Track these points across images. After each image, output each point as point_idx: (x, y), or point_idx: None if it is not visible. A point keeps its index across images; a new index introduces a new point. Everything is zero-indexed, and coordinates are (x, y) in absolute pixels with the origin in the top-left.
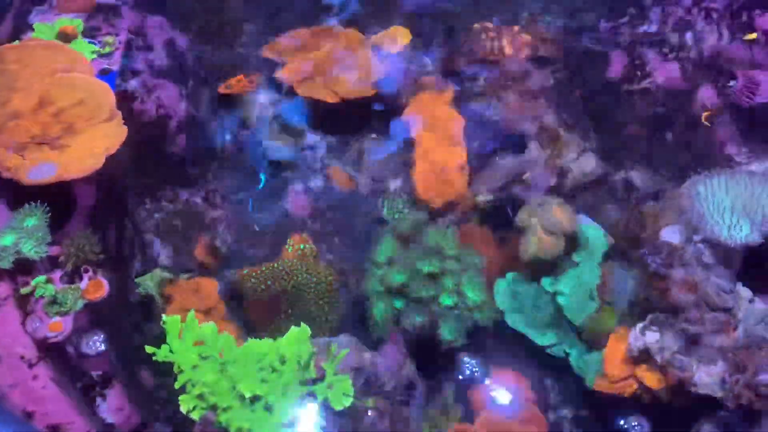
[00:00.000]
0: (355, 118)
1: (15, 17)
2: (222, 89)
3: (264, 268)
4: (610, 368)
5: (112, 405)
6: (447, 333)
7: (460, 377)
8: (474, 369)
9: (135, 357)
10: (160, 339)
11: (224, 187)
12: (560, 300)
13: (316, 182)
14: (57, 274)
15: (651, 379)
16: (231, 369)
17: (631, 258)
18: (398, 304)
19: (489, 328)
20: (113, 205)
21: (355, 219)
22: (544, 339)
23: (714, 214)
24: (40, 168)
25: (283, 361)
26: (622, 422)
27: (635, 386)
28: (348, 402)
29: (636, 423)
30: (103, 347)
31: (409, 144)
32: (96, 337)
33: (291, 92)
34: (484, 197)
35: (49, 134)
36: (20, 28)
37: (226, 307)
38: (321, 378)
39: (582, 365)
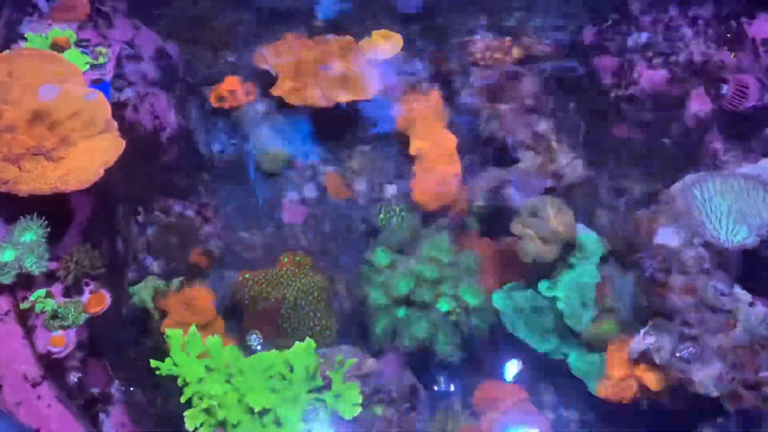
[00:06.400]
0: (347, 126)
1: (5, 26)
2: (213, 101)
3: (263, 274)
4: (612, 370)
5: (114, 421)
6: (442, 347)
7: None
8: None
9: (131, 371)
10: (155, 352)
11: (216, 197)
12: (560, 306)
13: (310, 191)
14: (57, 288)
15: (651, 380)
16: (238, 381)
17: (628, 263)
18: (401, 312)
19: (484, 339)
20: (106, 216)
21: (351, 227)
22: (544, 345)
23: (712, 218)
24: None
25: (291, 371)
26: None
27: (635, 389)
28: (357, 411)
29: None
30: None
31: (404, 151)
32: None
33: (283, 104)
34: (477, 203)
35: (44, 146)
36: (11, 38)
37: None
38: (328, 387)
39: (582, 367)
